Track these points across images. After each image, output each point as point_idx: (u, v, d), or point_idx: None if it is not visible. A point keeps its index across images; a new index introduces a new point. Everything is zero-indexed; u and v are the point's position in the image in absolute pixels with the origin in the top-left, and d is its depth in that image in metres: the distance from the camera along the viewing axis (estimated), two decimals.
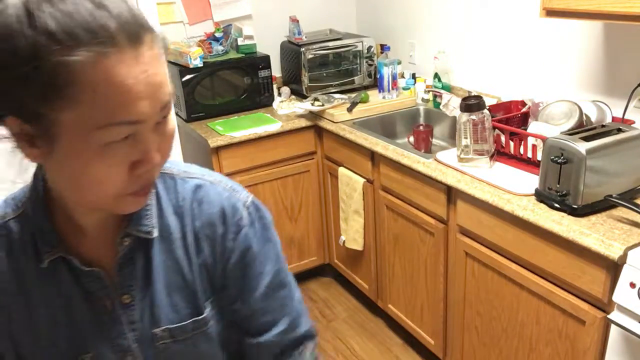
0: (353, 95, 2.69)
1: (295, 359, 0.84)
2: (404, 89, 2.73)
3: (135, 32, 0.58)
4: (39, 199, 0.72)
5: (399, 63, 2.75)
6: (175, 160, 0.82)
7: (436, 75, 2.60)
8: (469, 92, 2.52)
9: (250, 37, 2.85)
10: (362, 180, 2.40)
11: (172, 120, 0.66)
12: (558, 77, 2.15)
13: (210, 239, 0.77)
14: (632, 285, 1.33)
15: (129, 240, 0.74)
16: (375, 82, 2.81)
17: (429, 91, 2.63)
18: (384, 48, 2.77)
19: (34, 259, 0.73)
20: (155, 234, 0.75)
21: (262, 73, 2.76)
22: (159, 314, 0.77)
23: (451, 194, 1.91)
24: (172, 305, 0.77)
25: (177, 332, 0.78)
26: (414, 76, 2.80)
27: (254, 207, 0.81)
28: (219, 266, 0.79)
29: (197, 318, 0.79)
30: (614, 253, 1.35)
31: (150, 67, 0.59)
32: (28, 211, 0.74)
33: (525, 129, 1.85)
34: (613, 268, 1.39)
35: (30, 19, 0.54)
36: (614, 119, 1.79)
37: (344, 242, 2.64)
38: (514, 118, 1.98)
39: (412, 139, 2.33)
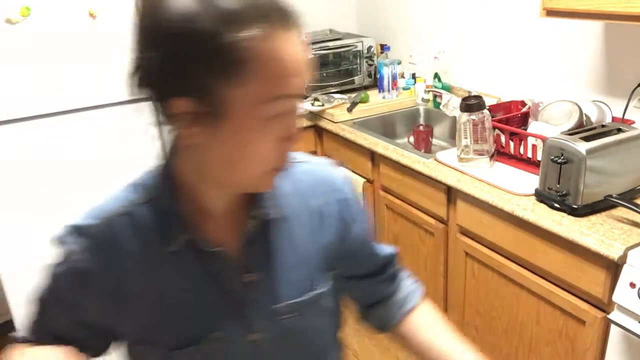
0: (353, 95, 2.69)
1: (402, 274, 1.03)
2: (404, 89, 2.73)
3: (290, 13, 0.66)
4: (170, 184, 0.75)
5: (399, 63, 2.75)
6: None
7: (436, 75, 2.60)
8: (469, 92, 2.52)
9: None
10: (362, 180, 2.40)
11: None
12: (558, 77, 2.15)
13: (327, 216, 0.83)
14: (632, 285, 1.33)
15: (253, 222, 0.77)
16: (375, 82, 2.81)
17: (429, 91, 2.63)
18: (384, 48, 2.77)
19: (161, 243, 0.75)
20: (277, 215, 0.79)
21: None
22: (279, 291, 0.79)
23: (451, 194, 1.91)
24: (291, 282, 0.80)
25: (296, 307, 0.80)
26: (414, 76, 2.80)
27: (347, 177, 0.89)
28: (339, 240, 0.85)
29: (314, 292, 0.82)
30: (614, 253, 1.35)
31: (302, 46, 0.65)
32: (157, 196, 0.76)
33: (525, 129, 1.85)
34: (613, 268, 1.39)
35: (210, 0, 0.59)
36: (614, 119, 1.79)
37: None
38: (514, 118, 1.98)
39: (412, 139, 2.33)
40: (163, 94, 0.64)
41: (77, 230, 0.75)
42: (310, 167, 0.86)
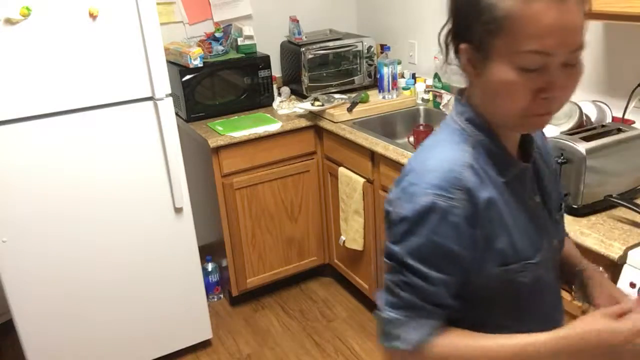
0: (353, 95, 2.69)
1: None
2: (404, 89, 2.73)
3: None
4: (483, 125, 0.88)
5: (399, 63, 2.75)
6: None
7: (436, 75, 2.60)
8: None
9: (250, 37, 2.85)
10: (362, 180, 2.40)
11: (581, 70, 0.81)
12: None
13: (550, 158, 1.03)
14: (632, 285, 1.33)
15: (534, 154, 0.95)
16: (375, 82, 2.81)
17: (429, 91, 2.63)
18: (384, 48, 2.77)
19: (498, 176, 0.88)
20: (539, 152, 0.97)
21: (262, 73, 2.76)
22: (552, 202, 0.98)
23: None
24: (554, 201, 0.99)
25: (561, 217, 1.02)
26: (414, 76, 2.80)
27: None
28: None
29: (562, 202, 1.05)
30: (614, 253, 1.35)
31: (569, 15, 0.75)
32: (481, 140, 0.88)
33: None
34: (613, 268, 1.39)
35: None
36: (614, 119, 1.79)
37: (344, 242, 2.64)
38: None
39: (412, 139, 2.33)
40: (458, 43, 0.85)
41: (444, 190, 0.83)
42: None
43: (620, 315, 0.80)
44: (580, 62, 0.80)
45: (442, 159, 0.86)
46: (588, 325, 0.80)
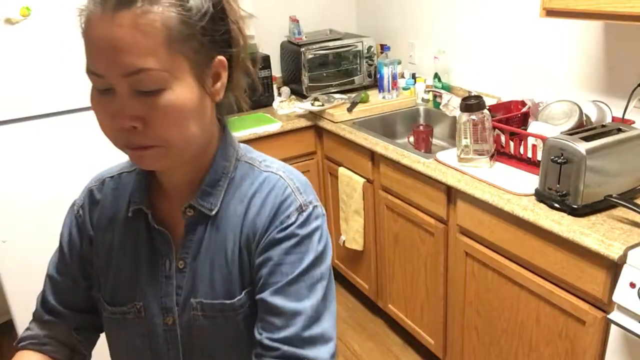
0: (353, 95, 2.69)
1: None
2: (404, 89, 2.73)
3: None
4: None
5: (399, 63, 2.75)
6: (265, 154, 0.89)
7: (436, 75, 2.60)
8: (469, 92, 2.52)
9: (250, 37, 2.84)
10: (362, 180, 2.40)
11: (173, 99, 0.69)
12: (558, 77, 2.15)
13: (258, 231, 0.81)
14: (632, 285, 1.33)
15: (193, 212, 0.82)
16: (375, 82, 2.81)
17: (429, 91, 2.63)
18: (384, 48, 2.77)
19: (126, 208, 0.86)
20: (214, 212, 0.82)
21: (262, 73, 2.76)
22: (198, 286, 0.82)
23: (451, 194, 1.91)
24: (210, 281, 0.82)
25: (208, 308, 0.82)
26: (414, 76, 2.80)
27: (307, 214, 0.81)
28: (256, 258, 0.81)
29: (227, 301, 0.82)
30: (614, 253, 1.35)
31: (119, 31, 0.65)
32: (137, 167, 0.87)
33: (525, 129, 1.85)
34: (613, 268, 1.39)
35: None
36: (614, 119, 1.79)
37: (344, 242, 2.64)
38: (514, 118, 1.98)
39: (412, 139, 2.33)
40: None
41: (86, 187, 0.93)
42: (272, 178, 0.83)
43: None
44: (170, 92, 0.68)
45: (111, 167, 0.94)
46: None
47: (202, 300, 0.82)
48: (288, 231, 0.79)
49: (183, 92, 0.70)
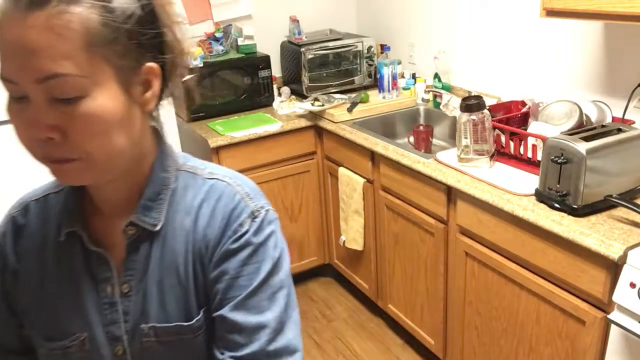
0: (353, 95, 2.69)
1: None
2: (404, 89, 2.73)
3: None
4: None
5: (399, 63, 2.75)
6: (207, 162, 0.84)
7: (436, 75, 2.60)
8: (469, 92, 2.52)
9: (250, 37, 2.85)
10: (362, 180, 2.40)
11: (94, 108, 0.63)
12: (558, 77, 2.15)
13: (210, 243, 0.75)
14: (632, 285, 1.33)
15: (135, 229, 0.75)
16: (375, 82, 2.81)
17: (429, 91, 2.63)
18: (384, 48, 2.77)
19: (57, 232, 0.78)
20: (158, 227, 0.76)
21: (262, 73, 2.76)
22: (149, 310, 0.76)
23: (451, 194, 1.91)
24: (162, 303, 0.76)
25: (162, 332, 0.76)
26: (414, 76, 2.80)
27: (261, 220, 0.76)
28: (211, 272, 0.76)
29: (184, 323, 0.76)
30: (614, 253, 1.35)
31: (32, 33, 0.60)
32: (65, 186, 0.80)
33: (525, 129, 1.85)
34: (613, 268, 1.39)
35: None
36: (614, 119, 1.79)
37: (344, 242, 2.64)
38: (514, 118, 1.98)
39: (412, 139, 2.33)
40: None
41: (8, 213, 0.84)
42: (218, 186, 0.78)
43: None
44: (91, 100, 0.63)
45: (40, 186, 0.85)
46: None
47: (154, 325, 0.76)
48: (242, 240, 0.74)
49: (105, 100, 0.64)
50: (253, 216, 0.76)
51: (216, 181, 0.79)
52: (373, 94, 2.72)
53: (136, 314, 0.76)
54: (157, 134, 0.80)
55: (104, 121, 0.64)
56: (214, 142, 2.42)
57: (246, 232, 0.75)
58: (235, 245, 0.74)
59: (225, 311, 0.73)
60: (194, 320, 0.76)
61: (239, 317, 0.72)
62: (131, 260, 0.76)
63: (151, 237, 0.76)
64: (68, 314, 0.77)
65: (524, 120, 1.98)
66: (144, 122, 0.73)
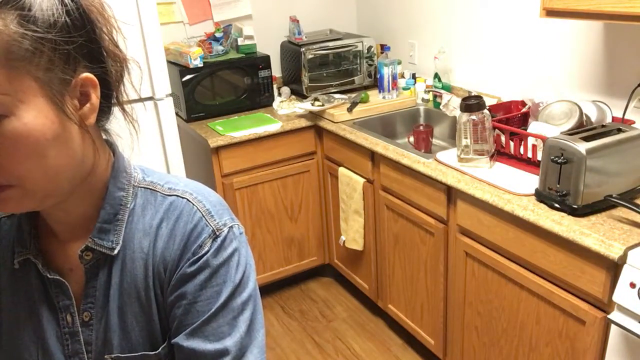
0: (353, 95, 2.69)
1: None
2: (404, 89, 2.73)
3: None
4: None
5: (399, 63, 2.75)
6: (168, 174, 0.79)
7: (436, 75, 2.60)
8: (469, 92, 2.52)
9: (250, 37, 2.85)
10: (362, 180, 2.40)
11: (20, 128, 0.58)
12: (558, 77, 2.15)
13: (168, 266, 0.71)
14: (632, 285, 1.33)
15: (92, 254, 0.71)
16: (375, 82, 2.81)
17: (429, 91, 2.63)
18: (384, 48, 2.77)
19: (11, 260, 0.73)
20: (116, 251, 0.71)
21: (262, 73, 2.76)
22: (112, 339, 0.72)
23: (451, 194, 1.91)
24: (125, 332, 0.72)
25: None
26: (414, 76, 2.80)
27: (222, 239, 0.71)
28: (168, 297, 0.71)
29: (149, 352, 0.72)
30: (614, 253, 1.35)
31: None
32: None
33: (525, 129, 1.85)
34: (613, 268, 1.39)
35: None
36: (614, 119, 1.80)
37: (344, 242, 2.64)
38: (514, 118, 1.98)
39: (412, 139, 2.33)
40: None
41: None
42: (178, 203, 0.73)
43: None
44: (15, 120, 0.57)
45: None
46: None
47: (119, 356, 0.72)
48: (201, 262, 0.69)
49: (32, 118, 0.58)
50: (214, 235, 0.71)
51: (176, 198, 0.74)
52: (373, 94, 2.72)
53: (99, 343, 0.72)
54: (111, 149, 0.75)
55: (33, 141, 0.58)
56: (214, 142, 2.42)
57: (205, 253, 0.70)
58: (192, 268, 0.69)
59: (181, 339, 0.69)
60: (159, 349, 0.72)
61: (196, 344, 0.68)
62: (91, 286, 0.71)
63: (110, 262, 0.71)
64: (28, 345, 0.73)
65: (524, 120, 1.98)
66: (84, 137, 0.66)
